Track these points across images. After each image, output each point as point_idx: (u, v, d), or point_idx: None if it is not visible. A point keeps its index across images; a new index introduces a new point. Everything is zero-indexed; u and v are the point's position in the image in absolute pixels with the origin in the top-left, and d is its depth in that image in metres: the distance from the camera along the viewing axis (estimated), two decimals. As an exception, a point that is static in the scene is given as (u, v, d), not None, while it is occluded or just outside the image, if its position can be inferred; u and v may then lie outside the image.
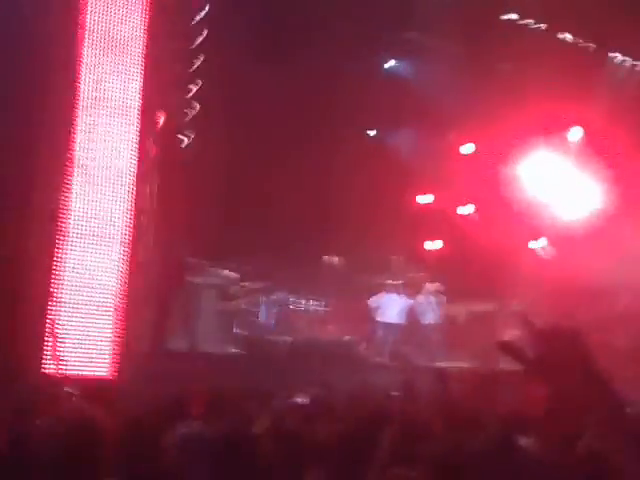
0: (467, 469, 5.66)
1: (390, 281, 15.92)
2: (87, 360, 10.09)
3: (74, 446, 4.61)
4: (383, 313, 15.53)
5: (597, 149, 16.89)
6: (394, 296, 15.68)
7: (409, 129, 16.84)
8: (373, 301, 15.66)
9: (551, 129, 17.06)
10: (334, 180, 15.59)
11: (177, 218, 12.07)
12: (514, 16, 16.22)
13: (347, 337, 15.35)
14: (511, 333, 14.77)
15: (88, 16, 10.82)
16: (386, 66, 17.13)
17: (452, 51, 16.22)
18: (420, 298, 15.92)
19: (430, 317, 15.85)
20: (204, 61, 13.27)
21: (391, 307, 15.58)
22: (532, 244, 17.45)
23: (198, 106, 13.38)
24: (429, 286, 15.96)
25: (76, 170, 10.41)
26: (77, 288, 10.10)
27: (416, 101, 16.18)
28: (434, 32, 15.99)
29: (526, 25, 16.33)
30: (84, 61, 10.78)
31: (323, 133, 15.50)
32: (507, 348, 3.17)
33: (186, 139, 13.30)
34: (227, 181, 14.31)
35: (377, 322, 15.50)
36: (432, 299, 15.87)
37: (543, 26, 16.38)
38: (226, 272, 14.89)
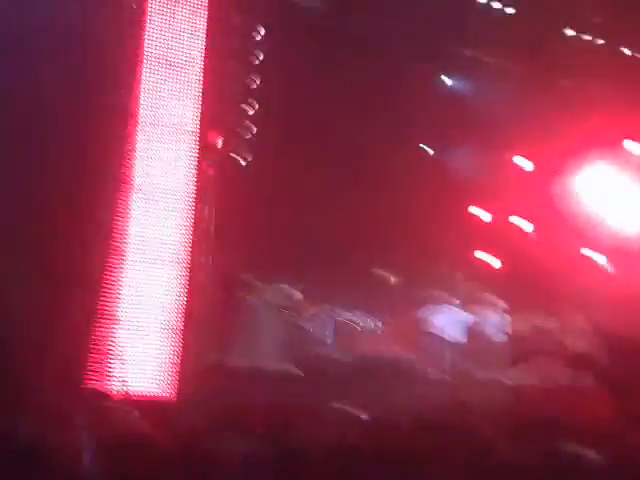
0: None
1: (447, 295, 15.82)
2: (146, 379, 10.15)
3: (131, 465, 4.62)
4: (447, 330, 15.44)
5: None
6: (457, 312, 15.60)
7: (466, 146, 16.71)
8: (436, 318, 15.57)
9: (612, 144, 16.85)
10: (389, 196, 15.52)
11: (235, 238, 12.11)
12: (574, 31, 16.09)
13: (406, 354, 15.23)
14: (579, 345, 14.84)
15: (146, 36, 10.98)
16: (443, 82, 17.03)
17: (510, 67, 16.11)
18: (484, 312, 15.77)
19: (494, 332, 15.72)
20: (261, 82, 13.35)
21: (454, 323, 15.48)
22: (592, 258, 17.22)
23: (255, 128, 13.45)
24: (493, 300, 15.81)
25: (134, 192, 10.53)
26: (136, 307, 10.17)
27: (474, 118, 16.07)
28: (492, 48, 15.86)
29: (587, 40, 16.21)
30: (142, 82, 10.91)
31: (380, 149, 15.43)
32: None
33: (243, 160, 13.37)
34: (283, 199, 14.34)
35: (435, 337, 15.40)
36: (497, 314, 15.74)
37: (604, 41, 16.24)
38: (285, 290, 14.88)
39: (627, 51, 16.44)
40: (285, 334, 14.60)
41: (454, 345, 15.44)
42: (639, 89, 15.62)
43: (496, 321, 15.77)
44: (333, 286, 15.05)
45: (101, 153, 10.38)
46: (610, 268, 17.29)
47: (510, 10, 15.60)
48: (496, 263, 17.28)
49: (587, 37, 16.14)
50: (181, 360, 10.47)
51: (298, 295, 15.11)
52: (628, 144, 17.04)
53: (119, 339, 10.04)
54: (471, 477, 5.96)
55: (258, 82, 13.44)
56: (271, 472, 5.70)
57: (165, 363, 10.48)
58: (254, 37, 13.45)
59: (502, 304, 15.82)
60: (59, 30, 10.39)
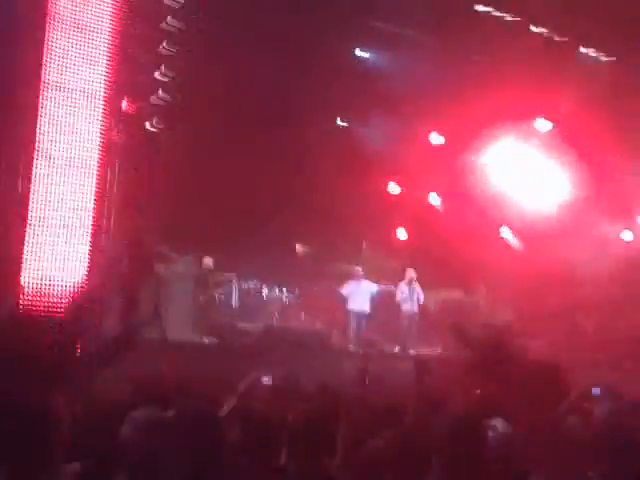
0: (434, 451, 5.67)
1: (360, 269, 15.93)
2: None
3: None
4: (354, 301, 15.55)
5: (565, 140, 17.00)
6: (365, 284, 15.72)
7: (378, 118, 16.77)
8: (344, 289, 15.67)
9: (520, 120, 17.13)
10: (304, 168, 15.55)
11: (144, 207, 11.94)
12: (487, 7, 16.24)
13: (318, 325, 15.33)
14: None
15: (52, 0, 10.64)
16: (356, 54, 17.03)
17: (423, 41, 16.22)
18: (402, 286, 15.95)
19: (409, 305, 15.89)
20: (172, 47, 13.12)
21: (362, 295, 15.61)
22: (499, 233, 17.54)
23: (163, 93, 13.21)
24: (411, 273, 15.96)
25: (40, 158, 10.26)
26: (43, 274, 9.95)
27: (386, 90, 16.12)
28: (405, 21, 15.94)
29: (498, 17, 16.38)
30: (48, 47, 10.59)
31: (293, 120, 15.42)
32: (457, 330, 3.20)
33: (153, 127, 13.14)
34: (195, 169, 14.20)
35: (348, 310, 15.51)
36: (414, 287, 15.90)
37: (515, 18, 16.43)
38: (197, 261, 14.80)
39: (537, 29, 16.75)
40: (198, 305, 14.57)
41: (365, 316, 15.61)
42: (549, 66, 16.00)
43: (415, 294, 16.00)
44: (243, 256, 15.04)
45: (6, 118, 10.07)
46: (516, 243, 17.70)
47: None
48: (404, 236, 17.50)
49: (498, 13, 16.37)
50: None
51: (207, 265, 15.11)
52: (537, 121, 17.43)
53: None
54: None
55: (170, 48, 13.20)
56: (176, 436, 5.63)
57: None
58: (168, 3, 13.23)
59: (410, 277, 16.04)
60: None
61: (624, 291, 16.27)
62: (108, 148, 10.97)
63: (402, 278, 16.06)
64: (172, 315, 13.54)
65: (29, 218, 10.08)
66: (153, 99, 13.21)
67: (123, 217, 11.53)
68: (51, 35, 10.66)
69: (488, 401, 8.54)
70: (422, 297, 15.95)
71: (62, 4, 10.73)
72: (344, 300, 15.60)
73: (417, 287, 15.94)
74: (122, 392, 6.72)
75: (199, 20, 13.43)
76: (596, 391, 8.04)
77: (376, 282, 15.95)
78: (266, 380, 8.18)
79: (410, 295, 15.89)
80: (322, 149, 15.67)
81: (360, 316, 15.55)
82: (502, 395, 8.85)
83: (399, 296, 15.91)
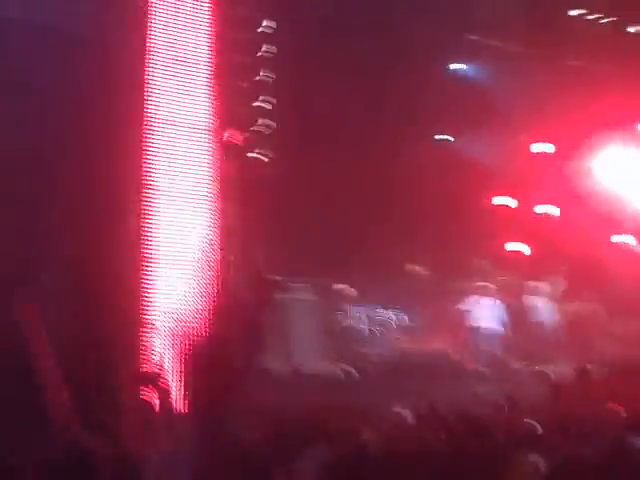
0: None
1: (486, 284, 15.54)
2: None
3: None
4: (482, 319, 15.17)
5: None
6: (486, 300, 15.32)
7: (480, 132, 16.46)
8: (465, 306, 15.30)
9: (626, 123, 16.61)
10: (411, 189, 15.29)
11: (262, 236, 11.88)
12: (580, 11, 15.84)
13: (442, 347, 14.98)
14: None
15: (151, 35, 10.56)
16: (453, 68, 16.79)
17: (517, 51, 15.93)
18: (532, 300, 15.53)
19: (541, 320, 15.44)
20: (273, 76, 13.14)
21: (489, 311, 15.22)
22: (621, 240, 16.93)
23: (265, 120, 13.21)
24: (542, 287, 15.51)
25: (153, 194, 10.21)
26: (166, 314, 9.90)
27: (486, 103, 15.88)
28: (499, 33, 15.74)
29: (594, 20, 16.00)
30: (150, 84, 10.53)
31: (397, 142, 15.21)
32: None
33: (262, 157, 13.14)
34: (304, 195, 14.10)
35: (475, 328, 15.14)
36: (545, 301, 15.46)
37: (611, 19, 16.01)
38: (320, 288, 14.67)
39: (632, 29, 16.29)
40: (322, 333, 14.40)
41: (490, 334, 15.20)
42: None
43: (535, 308, 15.51)
44: (365, 283, 14.84)
45: (116, 157, 10.08)
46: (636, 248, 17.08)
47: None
48: (525, 250, 17.00)
49: (591, 17, 15.93)
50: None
51: (335, 291, 14.98)
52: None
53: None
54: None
55: (270, 76, 13.21)
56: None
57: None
58: (262, 30, 13.25)
59: (541, 290, 15.59)
60: (63, 34, 10.14)
61: None
62: (220, 180, 10.87)
63: (524, 293, 15.64)
64: (298, 345, 13.41)
65: (152, 256, 10.04)
66: (255, 127, 13.22)
67: (242, 249, 11.44)
68: (152, 72, 10.58)
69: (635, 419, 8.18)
70: (554, 311, 15.46)
71: (161, 41, 10.65)
72: (470, 318, 15.21)
73: (548, 301, 15.47)
74: (264, 427, 6.59)
75: (293, 43, 13.41)
76: None
77: (498, 297, 15.51)
78: (405, 413, 7.97)
79: (541, 309, 15.41)
80: (426, 167, 15.40)
81: (489, 334, 15.14)
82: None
83: (530, 310, 15.46)
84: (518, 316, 15.57)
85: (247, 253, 11.59)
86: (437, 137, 17.24)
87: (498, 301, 15.48)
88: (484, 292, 15.45)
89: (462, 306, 15.35)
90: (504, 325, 15.33)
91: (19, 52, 9.79)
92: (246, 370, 10.84)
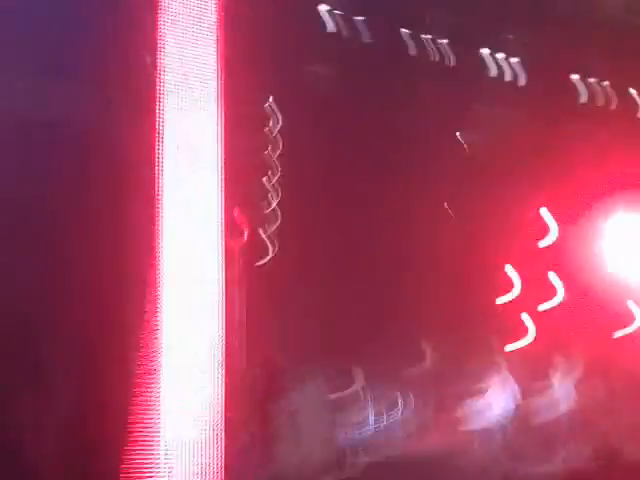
0: None
1: (489, 380, 15.31)
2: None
3: None
4: (496, 407, 14.94)
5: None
6: (493, 396, 15.11)
7: (490, 206, 16.31)
8: (472, 405, 15.04)
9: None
10: (417, 271, 15.12)
11: (270, 323, 11.73)
12: (580, 76, 15.99)
13: (447, 446, 14.67)
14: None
15: (160, 121, 10.57)
16: (461, 139, 16.80)
17: (519, 119, 15.94)
18: (552, 384, 15.26)
19: (559, 407, 15.21)
20: (275, 151, 13.17)
21: (505, 399, 15.00)
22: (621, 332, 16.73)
23: (271, 198, 13.19)
24: (564, 369, 15.34)
25: (164, 277, 10.10)
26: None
27: (493, 174, 15.78)
28: (499, 101, 15.55)
29: (595, 84, 16.18)
30: (161, 166, 10.53)
31: (405, 219, 15.07)
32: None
33: (270, 239, 13.04)
34: (313, 278, 13.91)
35: (489, 418, 14.89)
36: (565, 384, 15.28)
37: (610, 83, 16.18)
38: (330, 378, 14.41)
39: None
40: (331, 424, 14.12)
41: (505, 424, 14.94)
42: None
43: (554, 393, 15.30)
44: (377, 369, 14.59)
45: (127, 239, 10.01)
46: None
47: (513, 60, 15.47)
48: (526, 344, 16.70)
49: (593, 80, 16.06)
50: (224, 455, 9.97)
51: (340, 380, 14.67)
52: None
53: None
54: None
55: (273, 152, 13.25)
56: None
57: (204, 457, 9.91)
58: (267, 108, 13.31)
59: (561, 373, 15.37)
60: (75, 132, 10.15)
61: None
62: (231, 262, 10.77)
63: (542, 377, 15.40)
64: (308, 434, 13.15)
65: (160, 341, 9.91)
66: (263, 205, 13.20)
67: (253, 335, 11.29)
68: (163, 155, 10.56)
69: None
70: (560, 409, 15.27)
71: (171, 127, 10.60)
72: (473, 417, 14.96)
73: (568, 384, 15.26)
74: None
75: (300, 119, 13.47)
76: None
77: (505, 393, 15.29)
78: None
79: (562, 394, 15.22)
80: (440, 247, 15.25)
81: (503, 424, 14.90)
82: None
83: (549, 397, 15.24)
84: (527, 414, 15.32)
85: (258, 339, 11.44)
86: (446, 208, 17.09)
87: (517, 387, 15.22)
88: (494, 388, 15.22)
89: (469, 403, 15.10)
90: (522, 414, 15.08)
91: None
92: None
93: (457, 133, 16.68)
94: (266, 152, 13.13)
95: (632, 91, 16.39)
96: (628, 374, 15.64)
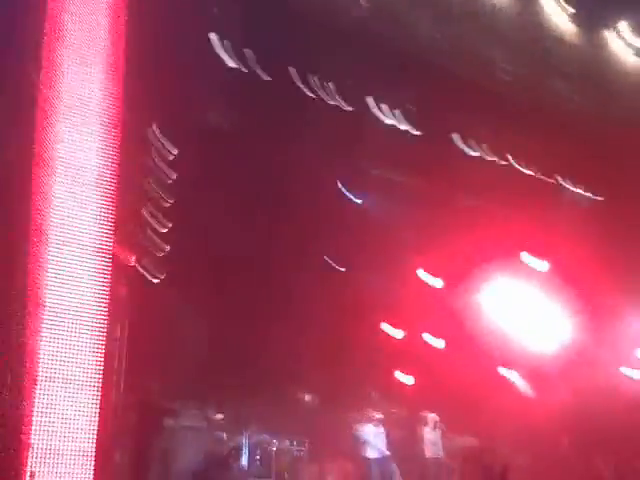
0: None
1: (377, 414, 15.50)
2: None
3: None
4: (374, 447, 15.11)
5: (563, 279, 16.98)
6: (380, 429, 15.29)
7: (373, 262, 16.66)
8: (363, 433, 15.18)
9: (516, 261, 17.12)
10: (307, 316, 15.30)
11: (150, 360, 11.65)
12: (474, 150, 16.46)
13: (330, 478, 14.78)
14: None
15: (56, 156, 10.55)
16: (349, 197, 17.10)
17: (412, 184, 16.35)
18: (427, 430, 15.60)
19: (434, 450, 15.50)
20: (174, 203, 13.15)
21: (381, 440, 15.18)
22: (505, 375, 17.23)
23: (167, 247, 13.14)
24: (434, 418, 15.61)
25: (45, 312, 10.00)
26: (49, 434, 9.55)
27: (380, 234, 16.10)
28: (395, 166, 16.11)
29: (486, 158, 16.60)
30: (52, 201, 10.47)
31: (288, 269, 15.24)
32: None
33: (156, 279, 12.98)
34: (197, 323, 13.94)
35: (367, 457, 15.03)
36: (438, 431, 15.55)
37: (502, 159, 16.66)
38: (205, 415, 14.38)
39: (526, 168, 16.97)
40: (208, 460, 14.05)
41: (384, 462, 15.11)
42: (540, 205, 16.15)
43: (429, 439, 15.59)
44: (250, 410, 14.66)
45: (12, 272, 9.88)
46: (522, 385, 17.38)
47: (416, 132, 15.89)
48: (409, 380, 17.07)
49: (488, 157, 16.61)
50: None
51: (220, 420, 14.67)
52: (526, 258, 17.45)
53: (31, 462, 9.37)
54: None
55: (169, 200, 13.23)
56: None
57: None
58: (166, 156, 13.31)
59: (434, 421, 15.67)
60: None
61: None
62: (115, 304, 10.71)
63: (411, 423, 15.67)
64: (182, 470, 13.05)
65: (37, 374, 9.72)
66: (153, 249, 13.12)
67: (131, 374, 11.19)
68: (56, 192, 10.50)
69: None
70: (445, 442, 15.58)
71: (65, 160, 10.60)
72: (360, 448, 15.08)
73: (440, 432, 15.56)
74: None
75: (192, 171, 13.47)
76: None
77: (387, 428, 15.49)
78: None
79: (435, 440, 15.49)
80: (322, 294, 15.46)
81: (381, 461, 15.05)
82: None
83: (424, 441, 15.49)
84: (410, 447, 15.57)
85: (136, 377, 11.34)
86: (334, 265, 17.34)
87: (387, 431, 15.44)
88: (376, 422, 15.41)
89: (358, 432, 15.25)
90: (396, 455, 15.30)
91: None
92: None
93: (340, 185, 17.27)
94: (150, 181, 13.10)
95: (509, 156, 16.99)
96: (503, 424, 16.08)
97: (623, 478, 15.54)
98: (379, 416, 15.40)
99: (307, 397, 16.43)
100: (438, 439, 15.56)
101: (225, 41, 14.07)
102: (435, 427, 15.60)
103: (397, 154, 15.53)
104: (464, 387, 15.31)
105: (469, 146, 16.52)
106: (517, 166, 16.98)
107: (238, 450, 14.76)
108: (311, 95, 14.83)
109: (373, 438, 15.18)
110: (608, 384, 16.41)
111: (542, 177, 17.12)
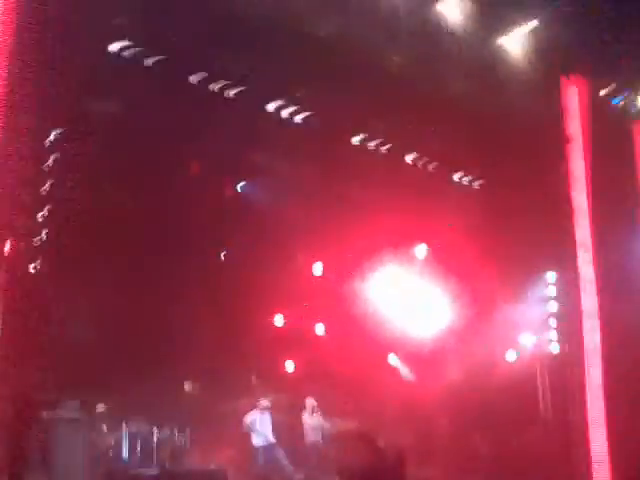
0: None
1: (265, 401, 15.61)
2: None
3: None
4: (260, 433, 15.27)
5: (442, 264, 17.38)
6: (266, 416, 15.42)
7: (261, 250, 16.72)
8: (248, 419, 15.29)
9: (398, 247, 17.43)
10: (188, 304, 15.25)
11: (26, 350, 11.43)
12: (359, 138, 16.61)
13: (213, 464, 14.78)
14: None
15: None
16: (238, 187, 17.08)
17: (300, 172, 16.42)
18: (305, 416, 15.85)
19: (313, 435, 15.77)
20: (53, 185, 12.87)
21: (267, 427, 15.34)
22: (387, 359, 17.57)
23: (45, 232, 12.85)
24: (312, 403, 15.83)
25: None
26: None
27: (267, 222, 16.15)
28: (280, 153, 16.11)
29: (371, 147, 16.78)
30: None
31: (174, 251, 15.15)
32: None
33: (32, 267, 12.69)
34: (77, 312, 13.72)
35: (254, 446, 15.16)
36: (316, 416, 15.80)
37: (387, 147, 16.88)
38: (84, 406, 14.18)
39: (411, 156, 17.25)
40: (88, 451, 13.87)
41: (269, 448, 15.24)
42: (422, 192, 16.41)
43: (307, 424, 15.85)
44: (131, 399, 14.51)
45: None
46: (404, 370, 17.77)
47: (298, 118, 15.94)
48: (292, 368, 17.23)
49: (373, 144, 16.78)
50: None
51: (100, 410, 14.53)
52: (416, 247, 17.79)
53: None
54: None
55: (49, 186, 12.94)
56: None
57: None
58: (46, 141, 13.04)
59: (312, 406, 15.87)
60: None
61: (514, 410, 16.54)
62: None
63: (297, 409, 15.84)
64: (61, 463, 12.84)
65: None
66: (36, 241, 12.83)
67: (5, 362, 10.97)
68: None
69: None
70: (326, 426, 15.78)
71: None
72: (243, 435, 15.18)
73: (319, 416, 15.76)
74: None
75: (77, 154, 13.24)
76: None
77: (272, 414, 15.63)
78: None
79: (313, 425, 15.72)
80: (205, 283, 15.46)
81: (268, 448, 15.20)
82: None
83: (304, 426, 15.69)
84: (292, 432, 15.77)
85: (10, 366, 11.12)
86: (220, 253, 17.30)
87: (271, 417, 15.59)
88: (262, 409, 15.53)
89: (246, 419, 15.35)
90: (280, 440, 15.48)
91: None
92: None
93: (238, 184, 17.21)
94: (44, 188, 12.87)
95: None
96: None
97: (499, 452, 16.10)
98: (265, 403, 15.57)
99: (191, 386, 16.41)
100: (318, 424, 15.80)
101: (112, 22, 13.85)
102: (313, 412, 15.86)
103: (284, 142, 15.57)
104: (347, 372, 15.59)
105: (354, 133, 16.64)
106: (405, 155, 17.26)
107: (118, 441, 14.74)
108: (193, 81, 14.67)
109: (259, 425, 15.38)
110: (485, 366, 16.94)
111: (423, 163, 17.37)
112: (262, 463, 15.20)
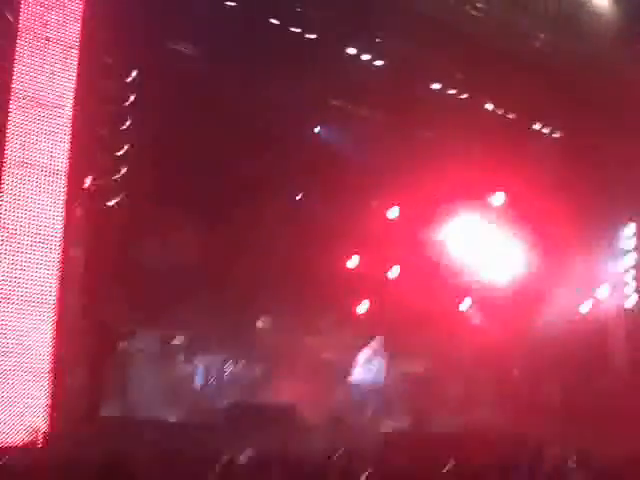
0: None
1: (332, 340, 15.87)
2: (14, 426, 9.76)
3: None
4: (360, 372, 15.61)
5: (519, 213, 17.28)
6: (375, 356, 15.77)
7: (337, 193, 16.84)
8: (310, 363, 15.54)
9: (474, 194, 17.36)
10: (265, 245, 15.48)
11: (106, 283, 11.81)
12: (438, 85, 16.53)
13: (285, 399, 15.07)
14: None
15: (14, 76, 10.55)
16: (315, 131, 17.15)
17: (378, 118, 16.43)
18: (368, 357, 15.97)
19: (373, 377, 15.90)
20: (132, 123, 13.13)
21: (369, 366, 15.72)
22: (459, 306, 17.61)
23: (125, 168, 13.16)
24: (376, 345, 15.99)
25: (1, 233, 10.14)
26: (4, 353, 9.78)
27: (344, 166, 16.23)
28: (359, 100, 16.16)
29: (450, 94, 16.68)
30: (10, 123, 10.51)
31: (254, 197, 15.36)
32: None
33: (112, 202, 13.04)
34: (156, 246, 14.04)
35: (315, 384, 15.40)
36: (380, 358, 15.95)
37: (466, 95, 16.76)
38: (162, 338, 14.62)
39: (490, 105, 17.12)
40: (163, 382, 14.30)
41: (334, 392, 15.48)
42: (501, 141, 16.32)
43: (370, 365, 15.97)
44: (207, 333, 14.91)
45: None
46: (475, 315, 17.77)
47: (378, 63, 15.93)
48: (365, 309, 17.39)
49: (452, 91, 16.70)
50: (51, 408, 10.06)
51: (174, 342, 14.93)
52: (492, 195, 17.70)
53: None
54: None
55: (129, 124, 13.20)
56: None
57: (34, 410, 10.03)
58: (126, 79, 13.26)
59: (376, 348, 16.03)
60: None
61: (585, 358, 16.52)
62: (71, 225, 10.83)
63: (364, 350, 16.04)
64: (138, 393, 13.30)
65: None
66: (112, 174, 13.13)
67: (87, 294, 11.35)
68: (14, 112, 10.55)
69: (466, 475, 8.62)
70: (385, 369, 15.95)
71: (25, 81, 10.65)
72: (314, 370, 15.45)
73: (383, 359, 15.93)
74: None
75: (157, 94, 13.42)
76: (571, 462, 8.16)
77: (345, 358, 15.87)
78: (242, 459, 8.12)
79: (376, 366, 15.89)
80: (281, 224, 15.64)
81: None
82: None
83: (365, 367, 15.87)
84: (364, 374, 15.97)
85: (93, 299, 11.50)
86: (295, 196, 17.46)
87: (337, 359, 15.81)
88: (337, 348, 15.79)
89: (306, 362, 15.58)
90: (344, 383, 15.67)
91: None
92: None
93: (316, 128, 17.31)
94: (124, 125, 13.13)
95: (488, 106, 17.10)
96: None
97: (570, 401, 16.10)
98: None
99: (266, 322, 16.69)
100: (379, 365, 15.96)
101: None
102: (376, 354, 15.98)
103: (360, 86, 15.57)
104: (420, 315, 15.68)
105: (432, 81, 16.56)
106: (484, 104, 17.14)
107: (193, 374, 15.12)
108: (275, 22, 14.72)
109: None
110: (559, 315, 16.85)
111: (502, 112, 17.23)
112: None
